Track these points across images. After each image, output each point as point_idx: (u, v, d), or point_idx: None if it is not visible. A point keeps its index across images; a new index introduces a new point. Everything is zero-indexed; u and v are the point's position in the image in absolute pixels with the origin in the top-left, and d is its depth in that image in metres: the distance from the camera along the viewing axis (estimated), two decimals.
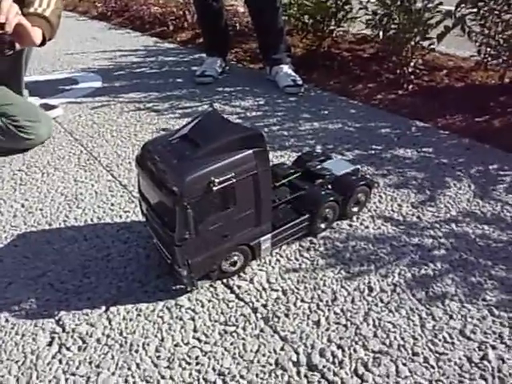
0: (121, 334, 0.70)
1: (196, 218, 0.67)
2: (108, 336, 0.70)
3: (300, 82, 1.63)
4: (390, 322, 0.70)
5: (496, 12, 1.46)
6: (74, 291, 0.79)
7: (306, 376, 0.62)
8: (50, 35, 1.16)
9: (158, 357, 0.66)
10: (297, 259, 0.83)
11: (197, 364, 0.65)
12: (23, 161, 1.24)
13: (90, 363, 0.66)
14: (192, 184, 0.65)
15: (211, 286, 0.78)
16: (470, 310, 0.71)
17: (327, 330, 0.69)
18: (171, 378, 0.63)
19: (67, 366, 0.66)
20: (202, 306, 0.74)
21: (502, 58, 1.52)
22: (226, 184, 0.68)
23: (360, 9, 1.76)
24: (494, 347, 0.65)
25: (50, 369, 0.65)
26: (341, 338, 0.68)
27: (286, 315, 0.72)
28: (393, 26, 1.63)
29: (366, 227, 0.91)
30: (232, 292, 0.77)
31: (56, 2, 1.18)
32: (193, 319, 0.72)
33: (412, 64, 1.61)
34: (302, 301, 0.74)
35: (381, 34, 1.77)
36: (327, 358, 0.65)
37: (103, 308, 0.75)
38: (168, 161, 0.70)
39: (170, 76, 1.89)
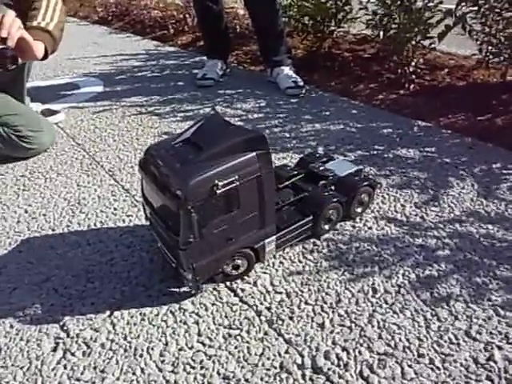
0: (125, 338, 0.70)
1: (200, 221, 0.67)
2: (112, 341, 0.70)
3: (301, 84, 1.63)
4: (394, 324, 0.69)
5: (497, 10, 1.46)
6: (78, 296, 0.79)
7: (311, 379, 0.62)
8: (53, 49, 1.16)
9: (163, 361, 0.66)
10: (300, 261, 0.83)
11: (201, 368, 0.65)
12: (26, 166, 1.24)
13: (95, 368, 0.66)
14: (196, 187, 0.65)
15: (215, 289, 0.78)
16: (475, 311, 0.71)
17: (332, 332, 0.69)
18: (176, 382, 0.63)
19: (72, 372, 0.66)
20: (206, 310, 0.74)
21: (504, 56, 1.51)
22: (229, 187, 0.68)
23: (360, 9, 1.76)
24: (500, 348, 0.65)
25: (55, 374, 0.65)
26: (345, 340, 0.67)
27: (290, 318, 0.72)
28: (393, 26, 1.63)
29: (370, 228, 0.91)
30: (236, 295, 0.77)
31: (60, 16, 1.18)
32: (197, 323, 0.72)
33: (413, 63, 1.60)
34: (306, 303, 0.74)
35: (381, 34, 1.77)
36: (332, 360, 0.64)
37: (107, 313, 0.75)
38: (171, 165, 0.70)
39: (171, 79, 1.90)
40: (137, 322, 0.73)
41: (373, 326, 0.69)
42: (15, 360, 0.68)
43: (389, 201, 0.99)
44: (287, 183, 0.92)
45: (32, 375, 0.66)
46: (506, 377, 0.61)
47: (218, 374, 0.64)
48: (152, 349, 0.68)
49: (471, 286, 0.75)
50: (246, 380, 0.63)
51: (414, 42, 1.56)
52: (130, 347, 0.69)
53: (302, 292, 0.76)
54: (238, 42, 2.25)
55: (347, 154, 1.19)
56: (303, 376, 0.63)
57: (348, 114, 1.45)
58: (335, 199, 0.87)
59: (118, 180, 1.15)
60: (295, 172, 0.95)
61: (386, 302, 0.73)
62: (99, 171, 1.20)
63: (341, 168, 0.96)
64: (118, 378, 0.64)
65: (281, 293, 0.77)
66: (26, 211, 1.04)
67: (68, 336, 0.71)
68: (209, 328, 0.71)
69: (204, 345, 0.68)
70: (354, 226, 0.92)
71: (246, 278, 0.80)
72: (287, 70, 1.69)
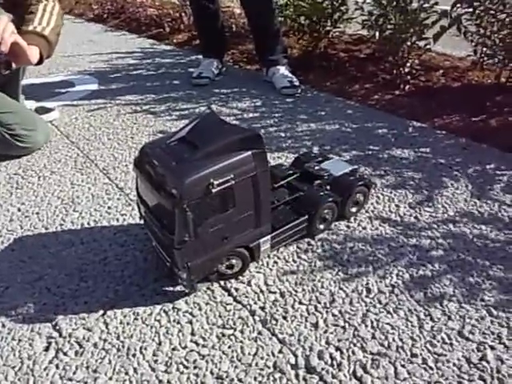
0: (118, 338, 0.70)
1: (195, 220, 0.67)
2: (105, 340, 0.69)
3: (297, 83, 1.63)
4: (388, 324, 0.70)
5: (491, 12, 1.46)
6: (71, 295, 0.78)
7: (304, 379, 0.62)
8: (48, 53, 1.15)
9: (156, 361, 0.66)
10: (294, 261, 0.83)
11: (194, 368, 0.65)
12: (19, 164, 1.23)
13: (87, 368, 0.65)
14: (191, 186, 0.65)
15: (208, 288, 0.78)
16: (468, 311, 0.71)
17: (325, 332, 0.69)
18: (169, 382, 0.63)
19: (64, 371, 0.65)
20: (200, 309, 0.74)
21: (498, 58, 1.53)
22: (225, 186, 0.67)
23: (356, 9, 1.77)
24: (492, 348, 0.65)
25: (47, 374, 0.65)
26: (339, 340, 0.67)
27: (284, 317, 0.72)
28: (389, 27, 1.63)
29: (364, 228, 0.91)
30: (230, 295, 0.77)
31: (57, 20, 1.17)
32: (190, 322, 0.72)
33: (408, 64, 1.61)
34: (300, 303, 0.74)
35: (377, 34, 1.78)
36: (325, 360, 0.64)
37: (100, 312, 0.74)
38: (166, 163, 0.69)
39: (166, 78, 1.89)
40: (130, 321, 0.72)
41: (366, 326, 0.69)
42: (7, 359, 0.67)
43: (383, 201, 0.99)
44: (282, 183, 0.92)
45: (24, 375, 0.65)
46: (499, 377, 0.61)
47: (212, 373, 0.64)
48: (145, 348, 0.68)
49: (464, 286, 0.76)
50: (240, 380, 0.62)
51: (409, 43, 1.57)
52: (123, 347, 0.68)
53: (296, 292, 0.76)
54: (234, 41, 2.24)
55: (342, 154, 1.19)
56: (297, 376, 0.63)
57: (343, 113, 1.46)
58: (330, 199, 0.87)
59: (112, 178, 1.14)
60: (290, 171, 0.95)
61: (380, 302, 0.73)
62: (93, 170, 1.19)
63: (336, 168, 0.96)
64: (110, 378, 0.64)
65: (275, 292, 0.76)
66: (19, 209, 1.03)
67: (60, 335, 0.71)
68: (202, 328, 0.71)
69: (197, 344, 0.68)
70: (348, 226, 0.92)
71: (240, 277, 0.80)
72: (283, 70, 1.69)
